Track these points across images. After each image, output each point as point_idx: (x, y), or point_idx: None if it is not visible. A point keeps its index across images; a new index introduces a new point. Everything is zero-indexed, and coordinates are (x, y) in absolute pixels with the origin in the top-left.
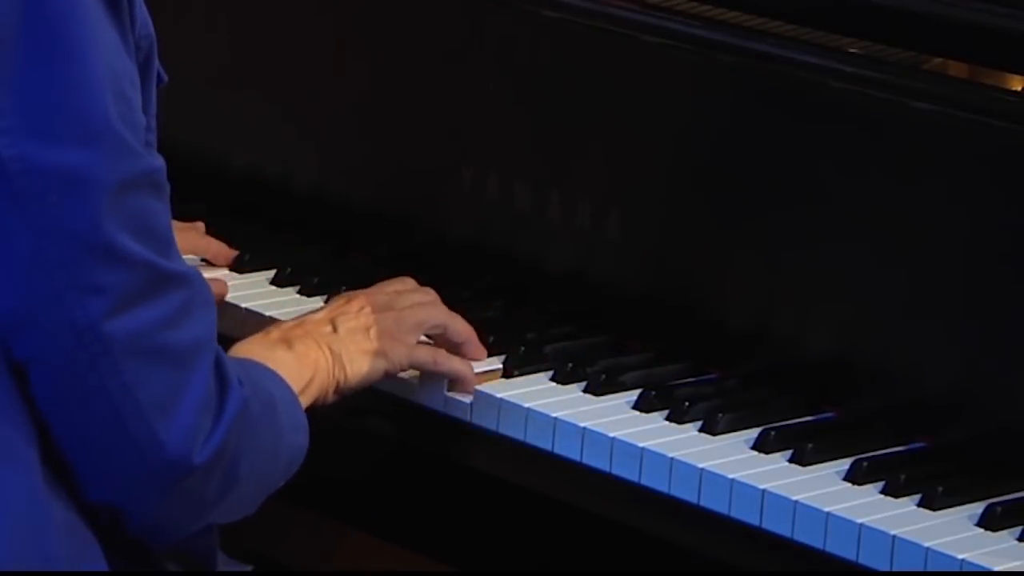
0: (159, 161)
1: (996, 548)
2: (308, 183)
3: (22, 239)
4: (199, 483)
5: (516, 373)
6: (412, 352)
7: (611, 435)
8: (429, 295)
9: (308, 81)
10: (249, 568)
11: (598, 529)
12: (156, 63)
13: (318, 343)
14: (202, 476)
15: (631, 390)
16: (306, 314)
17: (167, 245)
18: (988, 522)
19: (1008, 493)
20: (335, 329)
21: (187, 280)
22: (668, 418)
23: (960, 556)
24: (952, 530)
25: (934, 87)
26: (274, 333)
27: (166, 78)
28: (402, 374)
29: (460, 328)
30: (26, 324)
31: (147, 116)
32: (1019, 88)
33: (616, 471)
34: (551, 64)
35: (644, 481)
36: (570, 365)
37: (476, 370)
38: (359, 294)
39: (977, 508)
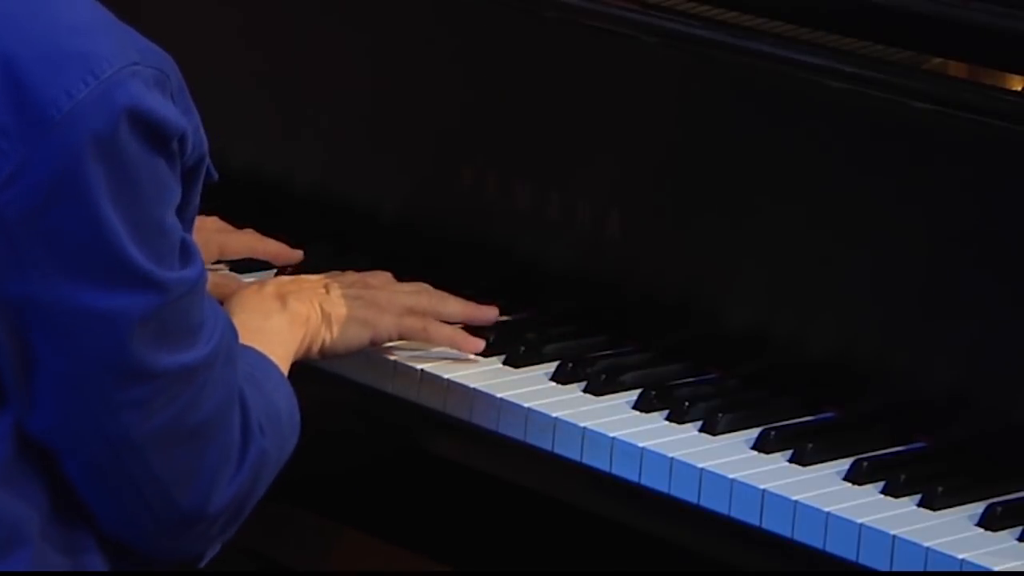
0: (192, 271)
1: (996, 548)
2: (308, 183)
3: (59, 367)
4: (209, 526)
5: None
6: (400, 321)
7: (611, 435)
8: (420, 286)
9: (308, 81)
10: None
11: (598, 529)
12: (205, 168)
13: (310, 299)
14: (212, 520)
15: (631, 390)
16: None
17: (196, 331)
18: (988, 522)
19: (1008, 493)
20: (327, 291)
21: (211, 358)
22: (668, 418)
23: (960, 556)
24: (952, 530)
25: (934, 87)
26: (269, 287)
27: (216, 175)
28: (402, 367)
29: (455, 310)
30: (61, 433)
31: (188, 213)
32: (1019, 88)
33: (616, 471)
34: (551, 64)
35: (644, 481)
36: (570, 365)
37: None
38: (352, 273)
39: (977, 508)
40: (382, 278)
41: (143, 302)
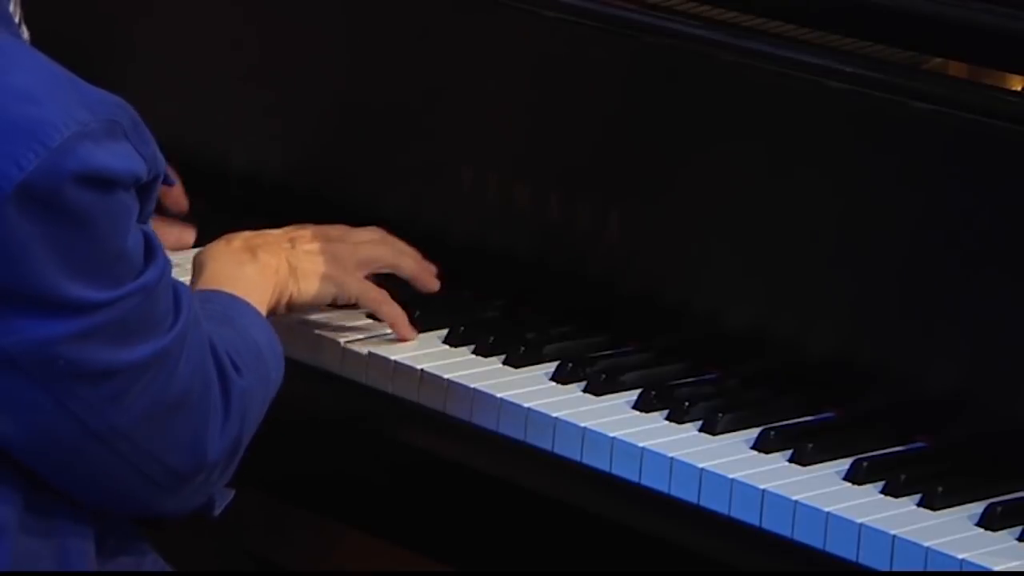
0: (154, 270)
1: (996, 548)
2: (307, 183)
3: (45, 402)
4: (209, 474)
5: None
6: (364, 288)
7: (611, 435)
8: (377, 233)
9: (308, 81)
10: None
11: (598, 529)
12: (161, 178)
13: (277, 252)
14: (212, 469)
15: (631, 390)
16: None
17: (164, 318)
18: (988, 522)
19: (1008, 493)
20: (292, 245)
21: (181, 333)
22: (668, 418)
23: (960, 556)
24: (952, 530)
25: (934, 87)
26: (236, 242)
27: (175, 181)
28: (402, 367)
29: (409, 266)
30: (50, 447)
31: (144, 214)
32: (1019, 88)
33: (616, 471)
34: (551, 64)
35: (644, 481)
36: (570, 365)
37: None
38: (312, 226)
39: (977, 508)
40: (340, 229)
41: (100, 319)
